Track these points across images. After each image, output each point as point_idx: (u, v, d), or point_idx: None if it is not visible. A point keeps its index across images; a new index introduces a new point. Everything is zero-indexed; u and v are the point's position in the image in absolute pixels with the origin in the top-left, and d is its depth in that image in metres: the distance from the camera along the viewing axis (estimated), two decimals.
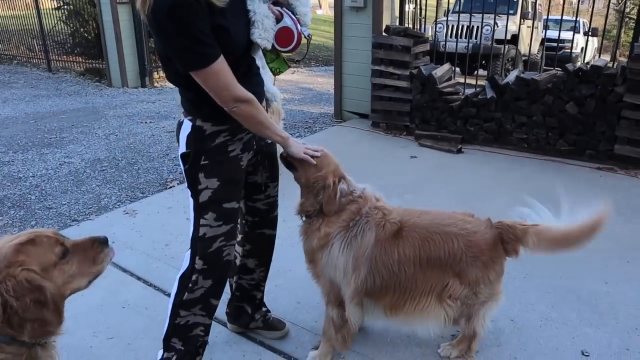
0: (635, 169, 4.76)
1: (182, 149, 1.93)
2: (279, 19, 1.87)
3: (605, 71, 4.78)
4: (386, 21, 6.06)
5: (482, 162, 5.08)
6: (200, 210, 1.97)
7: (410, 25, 6.40)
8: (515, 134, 5.33)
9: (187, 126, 1.93)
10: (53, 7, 12.44)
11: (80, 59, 11.54)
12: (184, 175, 2.00)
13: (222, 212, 1.97)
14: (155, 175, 4.99)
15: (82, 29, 11.67)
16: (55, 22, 12.02)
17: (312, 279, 2.33)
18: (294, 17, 1.90)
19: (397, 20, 6.24)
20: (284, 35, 1.85)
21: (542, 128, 5.18)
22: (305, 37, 1.89)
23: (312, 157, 2.11)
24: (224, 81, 1.74)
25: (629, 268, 3.14)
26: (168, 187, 4.67)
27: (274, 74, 1.99)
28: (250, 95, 1.79)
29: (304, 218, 2.24)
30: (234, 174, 1.98)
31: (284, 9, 1.90)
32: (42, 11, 11.85)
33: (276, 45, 1.89)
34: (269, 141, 2.14)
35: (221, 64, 1.72)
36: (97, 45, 10.70)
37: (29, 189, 4.74)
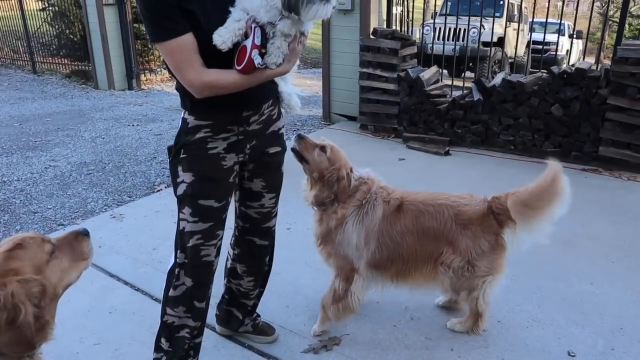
0: (620, 170, 4.82)
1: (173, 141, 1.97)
2: (247, 36, 1.75)
3: (589, 74, 4.84)
4: (374, 24, 6.09)
5: (469, 164, 5.11)
6: (179, 203, 1.99)
7: (398, 28, 6.43)
8: (502, 136, 5.38)
9: (180, 119, 1.97)
10: (38, 8, 12.31)
11: (66, 61, 11.42)
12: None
13: (197, 208, 1.94)
14: (142, 179, 4.96)
15: (67, 31, 11.55)
16: (40, 23, 11.88)
17: (324, 259, 2.49)
18: (257, 41, 1.73)
19: (385, 22, 6.26)
20: (241, 54, 1.74)
21: (528, 130, 5.23)
22: (256, 64, 1.73)
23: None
24: (179, 61, 1.70)
25: (614, 268, 3.18)
26: (156, 190, 4.64)
27: None
28: (205, 79, 1.72)
29: (315, 207, 2.43)
30: (211, 172, 1.94)
31: (257, 28, 1.74)
32: (27, 12, 11.73)
33: (235, 64, 1.76)
34: (271, 151, 2.09)
35: (181, 42, 1.68)
36: (83, 47, 10.61)
37: (13, 193, 4.68)
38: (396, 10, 6.32)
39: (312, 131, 6.47)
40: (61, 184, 4.86)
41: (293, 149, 2.35)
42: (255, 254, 2.35)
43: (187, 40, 1.68)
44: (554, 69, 5.09)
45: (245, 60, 1.71)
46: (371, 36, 5.93)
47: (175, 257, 2.04)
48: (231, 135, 1.93)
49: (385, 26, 6.25)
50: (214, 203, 1.97)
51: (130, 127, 6.85)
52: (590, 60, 14.58)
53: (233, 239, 2.36)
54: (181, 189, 1.95)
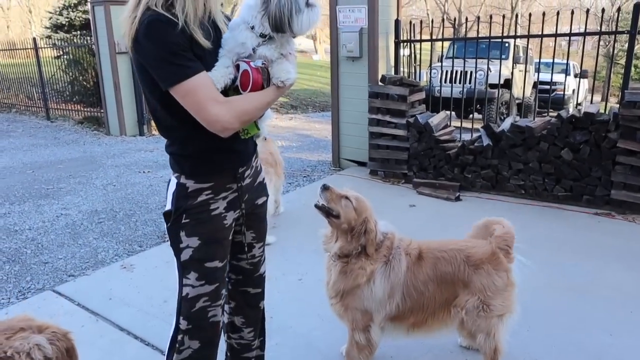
0: (633, 213, 4.77)
1: (167, 206, 1.92)
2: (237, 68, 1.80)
3: (598, 118, 4.85)
4: (382, 70, 6.18)
5: (480, 209, 5.08)
6: (182, 269, 1.94)
7: (405, 70, 6.50)
8: (512, 180, 5.36)
9: (173, 183, 1.92)
10: (53, 56, 12.66)
11: (79, 107, 11.66)
12: (166, 233, 1.98)
13: (204, 271, 1.92)
14: (153, 228, 4.96)
15: (81, 78, 11.85)
16: (55, 70, 12.20)
17: (338, 312, 2.49)
18: (254, 65, 1.78)
19: (393, 69, 6.35)
20: (244, 79, 1.77)
21: (539, 174, 5.21)
22: (258, 68, 1.76)
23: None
24: (201, 98, 1.66)
25: (633, 318, 3.10)
26: (166, 240, 4.64)
27: (242, 136, 1.88)
28: (234, 110, 1.71)
29: (338, 260, 2.41)
30: (216, 232, 1.93)
31: (244, 60, 1.79)
32: (42, 60, 12.04)
33: (240, 90, 1.79)
34: (260, 202, 2.13)
35: (200, 79, 1.67)
36: (95, 94, 10.85)
37: (24, 242, 4.69)
38: (403, 52, 6.42)
39: (322, 177, 6.49)
40: (72, 233, 4.87)
41: (317, 206, 2.33)
42: (251, 303, 2.32)
43: (206, 76, 1.69)
44: (563, 113, 5.10)
45: (251, 79, 1.74)
46: (380, 83, 6.02)
47: (177, 324, 1.99)
48: (230, 194, 1.94)
49: (393, 72, 6.34)
50: (218, 263, 1.96)
51: (141, 174, 6.90)
52: (597, 98, 14.69)
53: (226, 294, 2.34)
54: (186, 254, 1.91)
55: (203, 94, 1.67)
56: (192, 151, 1.85)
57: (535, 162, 5.20)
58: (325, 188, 2.36)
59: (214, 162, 1.86)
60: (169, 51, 1.63)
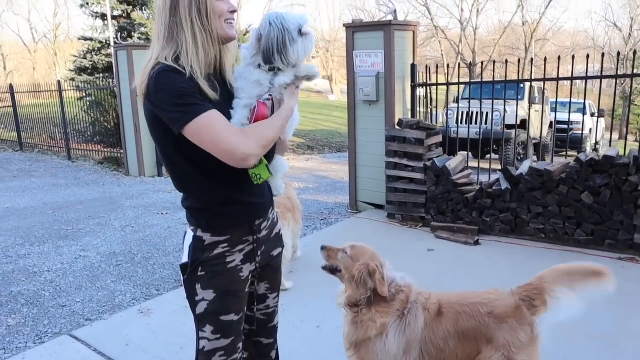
0: None
1: (184, 259, 1.93)
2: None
3: (617, 161, 4.80)
4: (399, 114, 6.24)
5: (500, 254, 5.01)
6: (198, 322, 1.93)
7: (421, 110, 6.53)
8: (532, 224, 5.30)
9: (189, 236, 1.93)
10: (76, 97, 13.02)
11: (100, 148, 11.89)
12: (182, 286, 1.98)
13: (220, 324, 1.91)
14: (170, 271, 4.97)
15: (102, 119, 12.13)
16: (77, 111, 12.51)
17: None
18: (261, 101, 1.81)
19: (409, 112, 6.40)
20: (257, 113, 1.80)
21: (559, 218, 5.15)
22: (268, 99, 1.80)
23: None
24: (217, 132, 1.68)
25: None
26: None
27: (254, 181, 1.85)
28: (252, 137, 1.73)
29: (348, 309, 2.38)
30: (232, 285, 1.92)
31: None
32: (66, 100, 12.35)
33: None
34: (275, 253, 2.12)
35: (214, 114, 1.69)
36: (116, 135, 11.07)
37: (43, 284, 4.72)
38: (419, 92, 6.47)
39: (340, 220, 6.47)
40: (90, 276, 4.89)
41: (323, 268, 2.40)
42: (264, 353, 2.29)
43: (218, 113, 1.72)
44: (582, 156, 5.07)
45: (255, 112, 1.77)
46: (397, 126, 6.07)
47: None
48: (246, 246, 1.94)
49: (410, 116, 6.39)
50: (234, 317, 1.94)
51: (159, 215, 6.96)
52: (614, 136, 14.58)
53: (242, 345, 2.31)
54: (201, 307, 1.91)
55: (218, 127, 1.69)
56: (207, 204, 1.86)
57: (555, 205, 5.14)
58: (323, 248, 2.43)
59: (230, 215, 1.87)
60: (178, 94, 1.68)
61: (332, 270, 2.39)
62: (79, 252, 5.56)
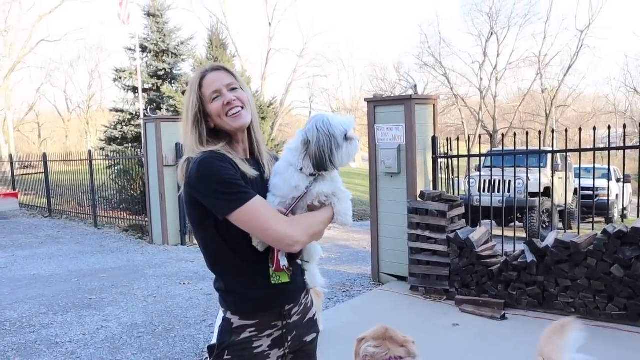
0: None
1: (213, 340, 1.93)
2: None
3: None
4: (420, 186, 6.28)
5: (528, 329, 4.85)
6: None
7: (443, 176, 6.55)
8: (560, 298, 5.15)
9: (220, 317, 1.94)
10: (105, 165, 13.44)
11: (125, 215, 12.11)
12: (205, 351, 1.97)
13: None
14: (191, 344, 4.91)
15: (129, 187, 12.44)
16: (105, 179, 12.86)
17: None
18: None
19: (431, 184, 6.44)
20: (272, 254, 1.84)
21: (589, 292, 5.00)
22: (281, 266, 1.82)
23: None
24: (265, 217, 1.74)
25: None
26: (203, 358, 4.57)
27: (272, 281, 1.87)
28: (300, 225, 1.80)
29: None
30: None
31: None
32: (95, 168, 12.72)
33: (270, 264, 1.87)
34: (309, 339, 2.08)
35: (260, 200, 1.76)
36: (141, 202, 11.29)
37: (64, 355, 4.70)
38: (441, 162, 6.52)
39: (362, 292, 6.38)
40: (111, 348, 4.86)
41: None
42: None
43: (262, 199, 1.78)
44: (609, 228, 4.98)
45: (274, 264, 1.82)
46: (419, 198, 6.09)
47: None
48: (275, 331, 1.92)
49: (431, 188, 6.41)
50: None
51: (182, 285, 6.96)
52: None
53: None
54: None
55: (266, 213, 1.76)
56: (237, 287, 1.88)
57: (583, 278, 5.00)
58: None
59: (259, 299, 1.87)
60: (222, 182, 1.74)
61: None
62: (101, 322, 5.56)
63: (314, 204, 1.89)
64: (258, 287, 1.88)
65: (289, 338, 1.98)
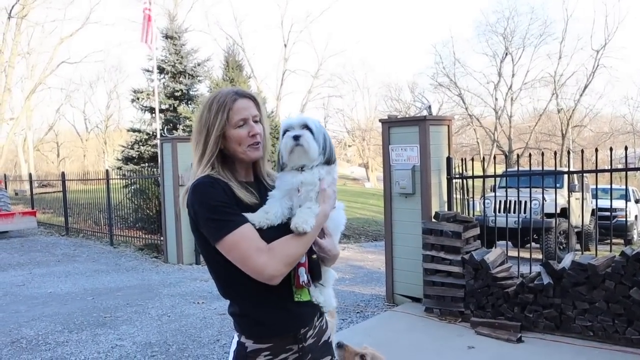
0: None
1: None
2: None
3: None
4: (435, 206, 6.25)
5: (545, 354, 4.78)
6: None
7: (458, 196, 6.53)
8: (578, 321, 5.06)
9: (234, 342, 1.94)
10: (122, 185, 13.59)
11: (140, 234, 12.20)
12: None
13: None
14: None
15: (144, 206, 12.55)
16: (122, 198, 12.99)
17: None
18: (303, 260, 1.88)
19: (446, 204, 6.42)
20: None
21: (608, 315, 4.91)
22: (300, 282, 1.86)
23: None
24: (246, 249, 1.74)
25: None
26: None
27: (295, 297, 1.90)
28: (277, 256, 1.76)
29: None
30: None
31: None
32: (112, 186, 12.86)
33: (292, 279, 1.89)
34: None
35: (245, 230, 1.76)
36: (157, 221, 11.38)
37: None
38: (455, 184, 6.50)
39: (376, 314, 6.34)
40: None
41: None
42: None
43: (249, 228, 1.78)
44: (627, 250, 4.92)
45: (294, 283, 1.86)
46: (433, 219, 6.06)
47: None
48: (290, 355, 1.90)
49: (446, 209, 6.39)
50: None
51: (196, 304, 6.97)
52: None
53: None
54: None
55: (246, 246, 1.75)
56: (251, 312, 1.87)
57: (602, 301, 4.92)
58: (339, 346, 2.31)
59: (274, 323, 1.87)
60: (212, 209, 1.77)
61: None
62: (116, 340, 5.58)
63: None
64: (273, 310, 1.87)
65: None
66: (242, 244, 1.75)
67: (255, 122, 1.94)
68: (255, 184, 1.97)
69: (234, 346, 1.94)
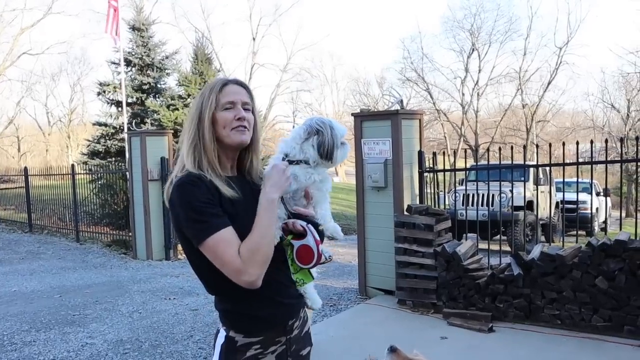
0: None
1: (215, 358, 1.91)
2: (303, 235, 1.87)
3: (630, 245, 4.80)
4: (407, 200, 6.31)
5: (515, 342, 4.89)
6: None
7: (429, 191, 6.61)
8: (546, 310, 5.20)
9: (221, 336, 1.91)
10: (88, 180, 13.26)
11: (108, 230, 11.94)
12: None
13: None
14: None
15: (111, 201, 12.29)
16: (88, 193, 12.69)
17: None
18: (317, 237, 1.86)
19: (417, 198, 6.48)
20: (304, 253, 1.85)
21: (574, 304, 5.06)
22: (325, 258, 1.88)
23: None
24: (222, 251, 1.72)
25: None
26: None
27: (298, 285, 1.93)
28: (254, 269, 1.74)
29: None
30: None
31: (308, 225, 1.88)
32: (77, 181, 12.53)
33: (296, 262, 1.88)
34: (304, 353, 2.06)
35: (225, 233, 1.74)
36: (124, 217, 11.16)
37: None
38: (427, 176, 6.57)
39: (350, 307, 6.38)
40: None
41: None
42: None
43: (229, 232, 1.75)
44: (593, 241, 5.07)
45: (315, 257, 1.83)
46: (405, 212, 6.12)
47: None
48: (278, 347, 1.92)
49: (418, 202, 6.46)
50: None
51: (167, 300, 6.87)
52: (623, 214, 14.53)
53: None
54: None
55: (223, 251, 1.73)
56: (244, 307, 1.85)
57: (569, 290, 5.07)
58: (392, 350, 2.05)
59: (265, 316, 1.86)
60: (194, 210, 1.75)
61: None
62: (86, 339, 5.46)
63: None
64: (267, 304, 1.86)
65: (289, 352, 1.97)
66: (220, 248, 1.73)
67: (246, 110, 1.92)
68: (237, 179, 1.93)
69: (220, 340, 1.91)
